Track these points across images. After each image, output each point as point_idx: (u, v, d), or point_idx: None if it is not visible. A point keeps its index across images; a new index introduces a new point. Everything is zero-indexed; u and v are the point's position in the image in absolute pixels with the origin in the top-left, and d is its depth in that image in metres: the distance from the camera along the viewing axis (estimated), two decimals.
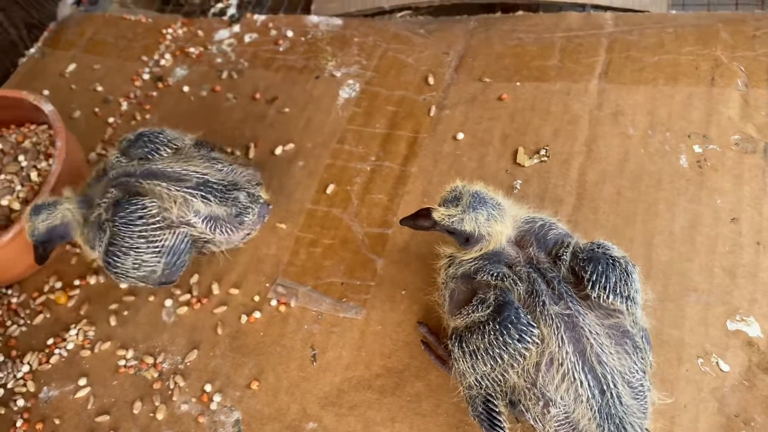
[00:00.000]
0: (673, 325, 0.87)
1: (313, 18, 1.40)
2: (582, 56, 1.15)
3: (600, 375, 0.71)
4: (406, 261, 1.02)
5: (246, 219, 1.03)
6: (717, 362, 0.84)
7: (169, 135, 1.05)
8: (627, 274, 0.74)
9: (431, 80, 1.21)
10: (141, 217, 0.97)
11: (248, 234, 1.07)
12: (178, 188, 0.99)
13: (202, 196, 0.99)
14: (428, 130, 1.14)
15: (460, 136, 1.12)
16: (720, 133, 1.00)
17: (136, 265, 0.99)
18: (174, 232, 1.00)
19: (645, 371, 0.75)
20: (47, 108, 1.19)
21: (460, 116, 1.14)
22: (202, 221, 1.00)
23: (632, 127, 1.04)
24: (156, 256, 1.00)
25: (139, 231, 0.98)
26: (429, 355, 0.92)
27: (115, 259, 0.99)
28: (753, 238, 0.91)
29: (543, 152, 1.06)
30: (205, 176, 1.01)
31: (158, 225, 0.98)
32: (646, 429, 0.74)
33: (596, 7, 1.23)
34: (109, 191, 1.01)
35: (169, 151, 1.04)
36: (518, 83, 1.15)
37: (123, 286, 1.10)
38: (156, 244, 0.99)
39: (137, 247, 0.98)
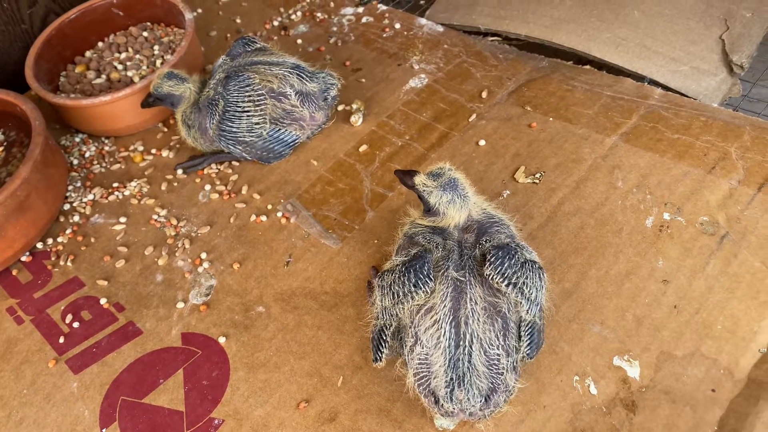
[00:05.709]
0: (569, 342, 0.99)
1: (422, 20, 1.62)
2: (616, 115, 1.27)
3: (461, 333, 0.86)
4: (389, 220, 1.19)
5: (330, 95, 1.30)
6: (589, 385, 0.94)
7: (259, 41, 1.35)
8: (522, 268, 0.87)
9: (484, 95, 1.38)
10: (248, 85, 1.25)
11: (322, 125, 1.35)
12: (278, 68, 1.27)
13: (298, 75, 1.28)
14: (460, 131, 1.32)
15: (482, 143, 1.28)
16: (693, 210, 1.09)
17: (248, 128, 1.27)
18: (276, 127, 1.28)
19: (508, 353, 0.88)
20: (187, 16, 1.49)
21: (491, 129, 1.30)
22: (296, 95, 1.27)
23: (622, 181, 1.15)
24: (262, 119, 1.27)
25: (248, 96, 1.25)
26: (368, 292, 1.10)
27: (230, 124, 1.26)
28: (673, 301, 1.00)
29: (538, 176, 1.19)
30: (297, 63, 1.30)
31: (261, 92, 1.25)
32: (498, 404, 0.87)
33: (654, 82, 1.34)
34: (217, 76, 1.28)
35: (259, 47, 1.32)
36: (551, 118, 1.29)
37: (230, 153, 1.33)
38: (261, 107, 1.26)
39: (247, 110, 1.26)
